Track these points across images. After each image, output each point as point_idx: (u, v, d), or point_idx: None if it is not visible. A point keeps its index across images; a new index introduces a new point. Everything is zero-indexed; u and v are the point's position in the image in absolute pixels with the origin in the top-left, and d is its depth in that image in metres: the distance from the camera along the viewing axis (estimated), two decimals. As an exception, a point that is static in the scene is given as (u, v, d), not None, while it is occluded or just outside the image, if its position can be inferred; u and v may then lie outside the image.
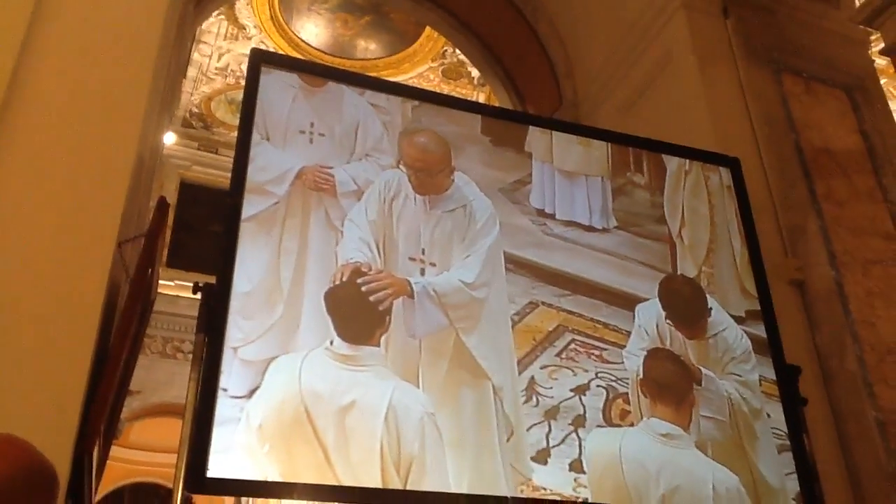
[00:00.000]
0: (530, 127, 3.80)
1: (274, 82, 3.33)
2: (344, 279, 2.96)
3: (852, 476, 3.68)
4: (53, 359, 2.53)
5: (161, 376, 10.07)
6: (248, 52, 3.47)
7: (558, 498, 2.88)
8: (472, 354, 3.00)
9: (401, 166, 3.32)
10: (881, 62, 5.95)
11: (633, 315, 3.38)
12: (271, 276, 2.91)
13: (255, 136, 3.15)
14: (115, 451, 10.30)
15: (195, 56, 10.49)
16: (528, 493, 2.83)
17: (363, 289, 2.95)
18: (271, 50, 9.77)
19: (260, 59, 3.37)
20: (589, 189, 3.70)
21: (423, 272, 3.10)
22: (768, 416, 3.35)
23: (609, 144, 3.86)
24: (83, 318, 2.63)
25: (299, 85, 3.38)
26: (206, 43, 10.51)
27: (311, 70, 3.65)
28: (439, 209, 3.28)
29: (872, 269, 4.27)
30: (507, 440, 2.91)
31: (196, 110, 11.64)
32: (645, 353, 3.30)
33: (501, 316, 3.16)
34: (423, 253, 3.15)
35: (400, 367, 2.87)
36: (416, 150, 3.42)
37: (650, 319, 3.39)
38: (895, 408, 3.83)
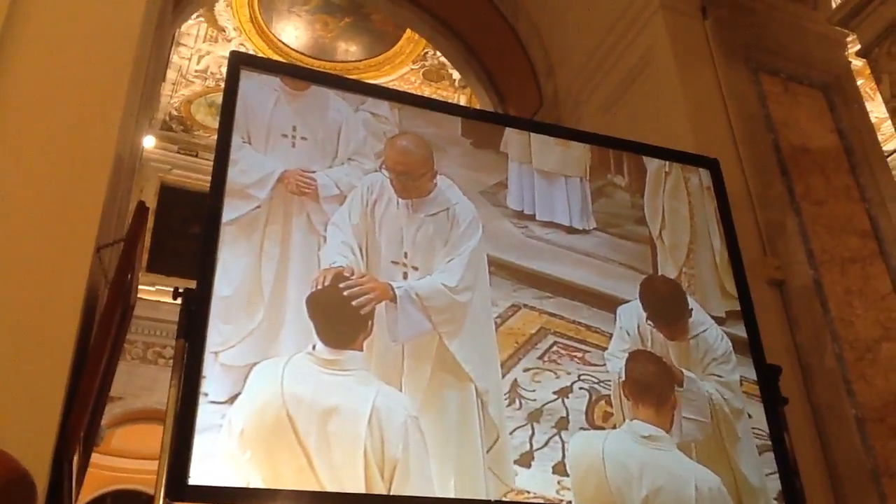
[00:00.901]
0: (507, 128, 3.80)
1: (255, 85, 3.31)
2: (326, 283, 2.95)
3: (832, 473, 3.71)
4: (32, 365, 2.50)
5: (143, 382, 10.02)
6: (227, 54, 3.46)
7: (542, 501, 2.88)
8: (456, 359, 3.00)
9: (383, 170, 3.32)
10: (858, 63, 6.01)
11: (615, 317, 3.40)
12: (252, 281, 2.90)
13: (237, 140, 3.13)
14: (97, 457, 10.25)
15: (174, 58, 10.44)
16: (511, 497, 2.83)
17: (345, 293, 2.94)
18: (251, 52, 9.73)
19: (239, 62, 3.35)
20: (568, 190, 3.71)
21: (405, 276, 3.10)
22: (749, 416, 3.37)
23: (589, 145, 3.87)
24: (62, 323, 2.60)
25: (281, 88, 3.37)
26: (185, 45, 10.45)
27: (292, 73, 3.63)
28: (422, 213, 3.27)
29: (850, 268, 4.32)
30: (493, 444, 2.91)
31: (176, 113, 11.58)
32: (627, 354, 3.31)
33: (485, 320, 3.16)
34: (406, 256, 3.14)
35: (383, 371, 2.86)
36: (398, 153, 3.41)
37: (631, 321, 3.40)
38: (874, 405, 3.87)
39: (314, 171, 3.21)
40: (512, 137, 3.75)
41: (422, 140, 3.49)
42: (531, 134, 3.81)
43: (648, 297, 3.49)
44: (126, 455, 11.31)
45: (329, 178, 3.22)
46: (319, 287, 2.93)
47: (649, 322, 3.41)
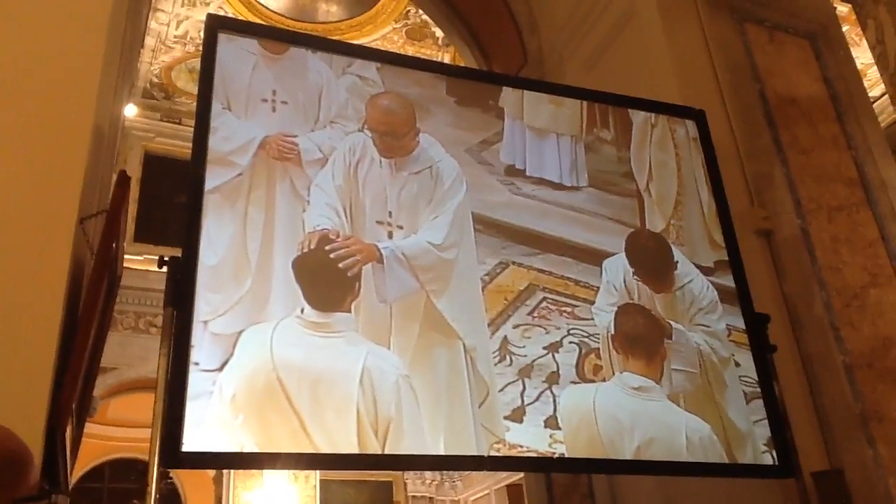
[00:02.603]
0: (503, 87, 3.78)
1: (233, 50, 3.26)
2: (311, 247, 2.94)
3: (821, 419, 3.76)
4: (20, 339, 2.49)
5: (135, 352, 10.01)
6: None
7: (535, 455, 2.91)
8: (444, 316, 3.00)
9: (365, 130, 3.29)
10: (843, 9, 5.96)
11: (601, 270, 3.40)
12: (238, 249, 2.88)
13: (217, 106, 3.09)
14: (94, 428, 10.29)
15: (153, 24, 10.25)
16: (504, 452, 2.86)
17: (331, 256, 2.93)
18: (230, 16, 9.57)
19: (216, 25, 3.29)
20: (560, 148, 3.70)
21: (390, 235, 3.09)
22: (737, 364, 3.41)
23: (582, 103, 3.84)
24: (48, 296, 2.58)
25: (259, 52, 3.31)
26: (163, 10, 10.27)
27: (271, 35, 3.58)
28: (405, 171, 3.25)
29: (837, 216, 4.33)
30: (483, 400, 2.93)
31: (157, 80, 11.42)
32: (615, 308, 3.33)
33: (471, 276, 3.17)
34: (391, 216, 3.13)
35: (372, 332, 2.86)
36: (381, 112, 3.38)
37: (617, 274, 3.41)
38: (862, 351, 3.90)
39: (296, 136, 3.17)
40: (507, 93, 3.74)
41: (404, 99, 3.45)
42: (524, 91, 3.79)
43: (634, 251, 3.50)
44: (123, 424, 11.38)
45: (311, 142, 3.18)
46: (305, 250, 2.92)
47: (636, 277, 3.42)
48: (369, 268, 2.97)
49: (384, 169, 3.22)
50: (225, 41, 3.24)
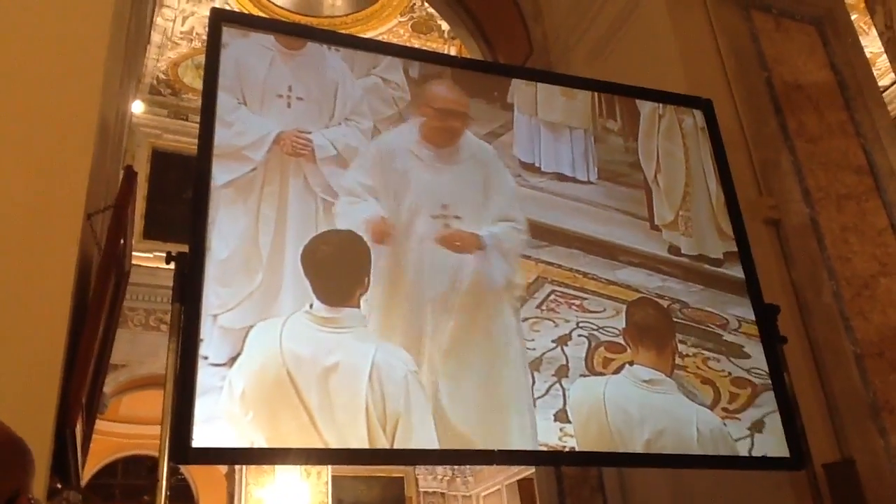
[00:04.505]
0: (513, 79, 3.76)
1: (249, 45, 3.25)
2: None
3: (832, 410, 3.73)
4: (28, 335, 2.49)
5: (146, 349, 10.02)
6: (210, 13, 3.38)
7: (545, 448, 2.90)
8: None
9: (418, 114, 3.33)
10: (851, -4, 5.91)
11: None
12: (249, 243, 2.88)
13: (232, 101, 3.09)
14: (106, 425, 10.31)
15: (159, 21, 10.24)
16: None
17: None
18: (234, 10, 9.56)
19: (220, 19, 3.28)
20: (573, 141, 3.68)
21: (447, 227, 3.14)
22: (748, 355, 3.38)
23: (594, 94, 3.82)
24: (56, 291, 2.58)
25: (275, 47, 3.30)
26: (169, 7, 10.26)
27: (282, 30, 3.57)
28: (451, 162, 3.28)
29: (846, 205, 4.29)
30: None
31: (163, 77, 11.42)
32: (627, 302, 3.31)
33: None
34: (445, 209, 3.15)
35: (380, 327, 2.86)
36: (446, 89, 3.49)
37: None
38: (872, 340, 3.87)
39: (310, 132, 3.16)
40: (518, 88, 3.71)
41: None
42: (538, 84, 3.76)
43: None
44: (134, 421, 11.42)
45: (325, 139, 3.18)
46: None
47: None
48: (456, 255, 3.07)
49: (426, 161, 3.23)
50: (240, 36, 3.24)
